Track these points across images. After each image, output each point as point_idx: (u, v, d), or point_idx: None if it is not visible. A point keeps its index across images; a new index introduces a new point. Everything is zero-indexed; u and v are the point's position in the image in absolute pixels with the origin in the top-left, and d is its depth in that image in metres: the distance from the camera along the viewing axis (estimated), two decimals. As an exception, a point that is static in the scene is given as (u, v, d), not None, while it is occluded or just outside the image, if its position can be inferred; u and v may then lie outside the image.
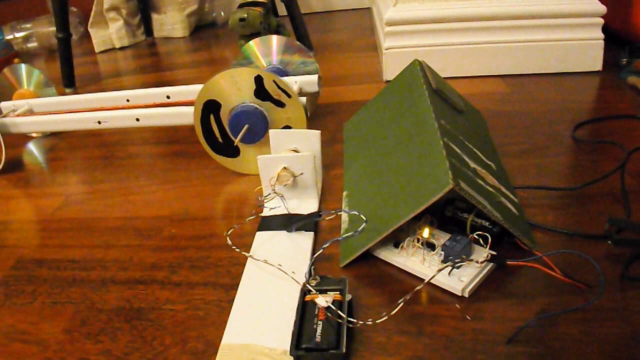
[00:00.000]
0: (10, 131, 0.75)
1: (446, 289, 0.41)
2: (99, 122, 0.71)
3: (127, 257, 0.51)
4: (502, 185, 0.49)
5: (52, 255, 0.53)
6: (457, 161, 0.43)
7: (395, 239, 0.46)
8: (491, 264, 0.42)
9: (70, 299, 0.46)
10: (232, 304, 0.42)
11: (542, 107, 0.75)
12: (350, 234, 0.45)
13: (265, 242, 0.50)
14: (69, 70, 1.13)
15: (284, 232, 0.51)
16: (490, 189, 0.45)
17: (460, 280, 0.41)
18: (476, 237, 0.43)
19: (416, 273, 0.43)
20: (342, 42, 1.28)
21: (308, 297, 0.39)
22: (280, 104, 0.61)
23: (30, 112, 0.81)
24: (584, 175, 0.56)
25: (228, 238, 0.51)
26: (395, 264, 0.44)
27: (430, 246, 0.44)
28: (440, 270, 0.40)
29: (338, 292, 0.39)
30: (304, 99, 0.63)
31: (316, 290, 0.39)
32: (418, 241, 0.44)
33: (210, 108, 0.62)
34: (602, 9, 0.84)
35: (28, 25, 1.62)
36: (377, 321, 0.39)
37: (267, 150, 0.59)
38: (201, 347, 0.39)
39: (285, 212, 0.53)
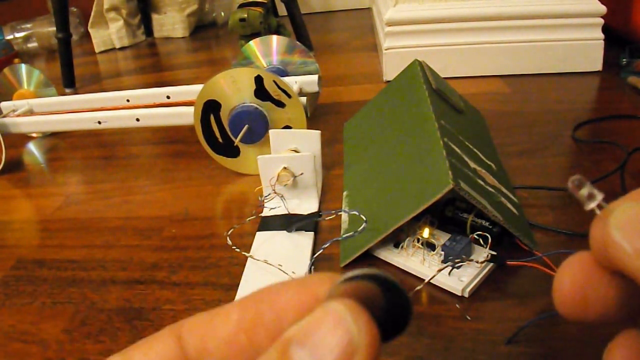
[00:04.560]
0: (10, 131, 0.75)
1: (446, 289, 0.41)
2: (99, 122, 0.71)
3: (127, 257, 0.51)
4: (502, 185, 0.49)
5: (52, 255, 0.53)
6: (457, 161, 0.43)
7: (395, 239, 0.46)
8: (491, 264, 0.42)
9: (70, 299, 0.46)
10: (232, 304, 0.42)
11: (542, 107, 0.75)
12: (350, 234, 0.45)
13: (265, 242, 0.50)
14: (69, 70, 1.13)
15: (284, 232, 0.51)
16: (490, 189, 0.45)
17: (460, 280, 0.41)
18: (476, 237, 0.43)
19: (416, 273, 0.43)
20: (342, 42, 1.28)
21: (308, 297, 0.39)
22: (280, 104, 0.61)
23: (30, 112, 0.81)
24: (584, 175, 0.55)
25: (228, 238, 0.51)
26: (395, 264, 0.44)
27: (430, 246, 0.44)
28: (440, 270, 0.40)
29: (338, 292, 0.39)
30: (304, 99, 0.63)
31: (316, 290, 0.39)
32: (418, 241, 0.44)
33: (211, 108, 0.62)
34: (602, 9, 0.84)
35: (28, 26, 1.62)
36: (377, 321, 0.38)
37: (267, 150, 0.59)
38: (201, 347, 0.39)
39: (285, 212, 0.53)
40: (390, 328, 0.14)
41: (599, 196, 0.17)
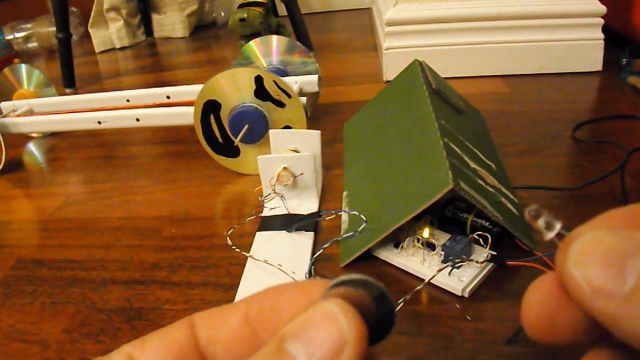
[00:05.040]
0: (10, 131, 0.75)
1: (446, 289, 0.41)
2: (99, 122, 0.71)
3: (127, 257, 0.51)
4: (502, 185, 0.49)
5: (52, 255, 0.53)
6: (457, 161, 0.43)
7: (395, 239, 0.46)
8: (491, 264, 0.42)
9: (70, 299, 0.46)
10: (232, 304, 0.42)
11: (542, 107, 0.75)
12: (350, 234, 0.45)
13: (265, 242, 0.50)
14: (69, 70, 1.13)
15: (284, 232, 0.51)
16: (490, 189, 0.45)
17: (460, 280, 0.41)
18: (476, 237, 0.43)
19: (416, 273, 0.43)
20: (342, 42, 1.28)
21: (308, 297, 0.39)
22: (280, 104, 0.61)
23: (30, 112, 0.81)
24: (584, 175, 0.56)
25: (228, 238, 0.51)
26: (395, 264, 0.44)
27: (430, 246, 0.44)
28: (440, 270, 0.40)
29: (338, 292, 0.39)
30: (304, 99, 0.63)
31: (316, 290, 0.39)
32: (418, 241, 0.44)
33: (211, 108, 0.62)
34: (602, 9, 0.84)
35: (28, 25, 1.61)
36: (377, 321, 0.38)
37: (267, 150, 0.59)
38: (201, 347, 0.39)
39: (285, 212, 0.53)
40: (376, 329, 0.15)
41: (558, 225, 0.16)
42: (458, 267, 0.41)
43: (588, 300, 0.14)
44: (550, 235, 0.16)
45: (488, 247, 0.42)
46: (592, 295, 0.13)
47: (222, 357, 0.17)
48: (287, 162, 0.54)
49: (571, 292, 0.14)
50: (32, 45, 1.62)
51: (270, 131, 0.57)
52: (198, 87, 0.64)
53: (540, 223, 0.16)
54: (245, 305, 0.17)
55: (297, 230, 0.51)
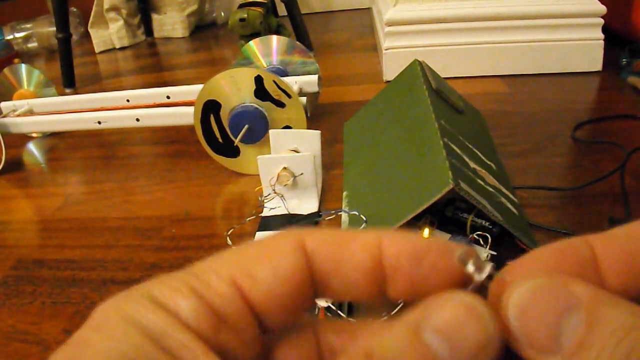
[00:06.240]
0: (11, 131, 0.75)
1: (446, 289, 0.41)
2: (99, 122, 0.71)
3: (127, 257, 0.51)
4: (502, 185, 0.49)
5: (52, 255, 0.53)
6: (457, 161, 0.43)
7: (395, 239, 0.45)
8: (491, 264, 0.42)
9: (70, 299, 0.46)
10: (232, 304, 0.42)
11: (542, 107, 0.75)
12: (350, 234, 0.45)
13: (265, 242, 0.50)
14: (69, 70, 1.13)
15: (284, 232, 0.51)
16: (490, 189, 0.45)
17: (460, 280, 0.41)
18: (476, 237, 0.43)
19: (416, 273, 0.43)
20: (342, 42, 1.28)
21: (308, 297, 0.39)
22: (280, 104, 0.61)
23: (30, 112, 0.81)
24: (584, 175, 0.56)
25: (228, 238, 0.51)
26: (395, 264, 0.44)
27: (430, 246, 0.43)
28: (440, 270, 0.40)
29: (338, 292, 0.39)
30: (304, 99, 0.63)
31: (316, 290, 0.39)
32: (418, 241, 0.44)
33: (211, 108, 0.62)
34: (602, 9, 0.84)
35: (28, 26, 1.62)
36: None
37: (267, 150, 0.59)
38: (201, 347, 0.39)
39: (285, 212, 0.53)
40: None
41: (488, 267, 0.16)
42: (458, 267, 0.41)
43: (527, 351, 0.14)
44: (480, 277, 0.16)
45: (488, 247, 0.42)
46: (531, 348, 0.14)
47: (336, 289, 0.15)
48: (287, 162, 0.54)
49: (510, 339, 0.14)
50: (32, 45, 1.62)
51: (270, 131, 0.57)
52: (198, 87, 0.64)
53: (470, 267, 0.16)
54: (376, 241, 0.15)
55: (297, 230, 0.51)
